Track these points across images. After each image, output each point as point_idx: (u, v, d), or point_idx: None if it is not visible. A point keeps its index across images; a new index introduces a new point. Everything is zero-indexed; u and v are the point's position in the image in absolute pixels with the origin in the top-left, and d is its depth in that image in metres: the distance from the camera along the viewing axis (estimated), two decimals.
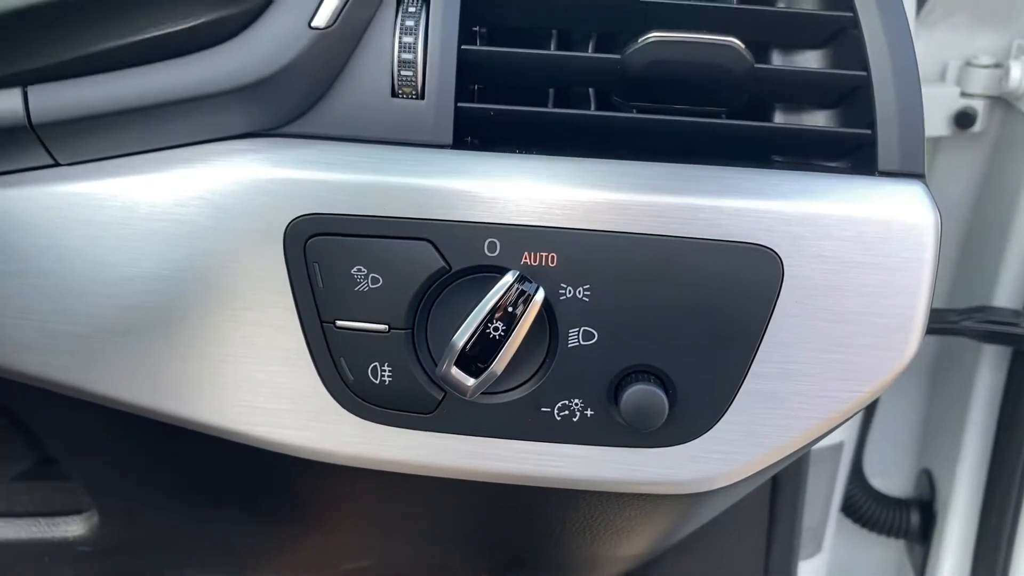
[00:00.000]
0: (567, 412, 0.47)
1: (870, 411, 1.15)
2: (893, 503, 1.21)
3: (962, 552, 1.14)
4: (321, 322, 0.46)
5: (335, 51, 0.46)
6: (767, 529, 0.87)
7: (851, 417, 0.50)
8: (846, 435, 1.11)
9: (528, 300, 0.44)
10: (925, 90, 0.47)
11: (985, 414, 1.07)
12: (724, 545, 0.87)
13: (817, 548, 1.17)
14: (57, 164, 0.46)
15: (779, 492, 0.85)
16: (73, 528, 0.71)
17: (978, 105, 0.99)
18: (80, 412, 0.53)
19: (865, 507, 1.19)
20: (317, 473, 0.53)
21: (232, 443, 0.50)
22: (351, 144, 0.46)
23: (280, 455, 0.50)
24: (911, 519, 1.20)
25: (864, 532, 1.22)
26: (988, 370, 1.05)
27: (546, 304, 0.45)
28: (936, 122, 0.99)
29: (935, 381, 1.17)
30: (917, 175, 0.46)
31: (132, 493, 0.65)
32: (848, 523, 1.21)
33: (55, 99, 0.44)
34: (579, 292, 0.45)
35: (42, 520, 0.71)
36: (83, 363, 0.47)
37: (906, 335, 0.46)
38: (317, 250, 0.45)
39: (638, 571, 0.87)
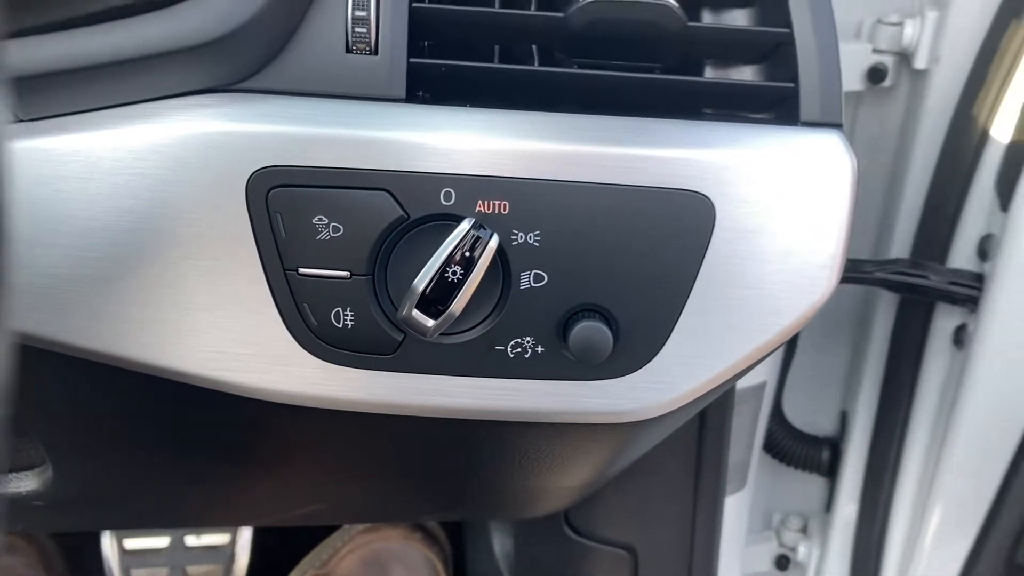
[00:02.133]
0: (520, 349, 0.50)
1: (789, 354, 1.21)
2: (809, 440, 1.28)
3: (855, 485, 1.23)
4: (284, 270, 0.48)
5: (291, 9, 0.47)
6: (695, 467, 0.92)
7: (774, 350, 0.55)
8: (768, 376, 1.18)
9: (483, 245, 0.47)
10: (842, 46, 0.51)
11: (879, 357, 1.15)
12: (655, 483, 0.92)
13: (742, 484, 1.24)
14: (18, 120, 0.47)
15: (706, 431, 0.90)
16: (26, 483, 0.71)
17: (888, 61, 1.04)
18: (39, 364, 0.54)
19: (784, 444, 1.26)
20: (269, 415, 0.55)
21: (184, 388, 0.52)
22: (308, 99, 0.48)
23: (232, 398, 0.52)
24: (823, 455, 1.27)
25: (789, 469, 1.29)
26: (883, 315, 1.12)
27: (499, 249, 0.48)
28: (853, 77, 1.04)
29: (859, 328, 1.24)
30: (835, 125, 0.51)
31: (86, 444, 0.66)
32: (772, 460, 1.28)
33: (14, 56, 0.45)
34: (530, 237, 0.49)
35: None
36: (54, 313, 0.48)
37: (825, 272, 0.51)
38: (279, 201, 0.48)
39: (576, 508, 0.92)
